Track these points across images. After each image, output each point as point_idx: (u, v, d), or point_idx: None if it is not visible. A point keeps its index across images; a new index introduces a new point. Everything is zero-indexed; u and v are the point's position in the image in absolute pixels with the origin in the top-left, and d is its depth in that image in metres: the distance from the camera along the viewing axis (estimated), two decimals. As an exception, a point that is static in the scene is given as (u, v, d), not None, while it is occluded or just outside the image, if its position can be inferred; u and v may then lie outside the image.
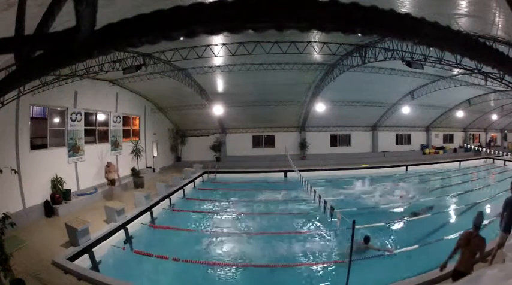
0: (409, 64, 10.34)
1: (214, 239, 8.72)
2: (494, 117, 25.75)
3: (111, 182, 12.24)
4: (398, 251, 7.40)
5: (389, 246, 7.76)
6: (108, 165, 12.39)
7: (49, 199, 10.30)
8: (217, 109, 17.93)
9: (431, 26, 0.56)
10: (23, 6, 0.92)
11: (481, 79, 13.58)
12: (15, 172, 8.28)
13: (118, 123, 16.01)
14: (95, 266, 6.86)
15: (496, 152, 21.58)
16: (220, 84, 16.88)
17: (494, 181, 16.60)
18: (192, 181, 15.76)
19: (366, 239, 7.41)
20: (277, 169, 18.83)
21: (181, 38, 0.55)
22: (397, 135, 25.25)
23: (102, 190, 13.07)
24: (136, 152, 15.97)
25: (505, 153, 21.40)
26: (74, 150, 12.47)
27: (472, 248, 4.10)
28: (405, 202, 12.00)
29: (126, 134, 16.90)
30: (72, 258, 6.54)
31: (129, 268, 6.81)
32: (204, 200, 13.27)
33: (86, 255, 6.91)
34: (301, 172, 14.27)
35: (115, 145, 15.61)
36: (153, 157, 20.00)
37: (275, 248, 7.85)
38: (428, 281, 5.18)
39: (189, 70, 14.67)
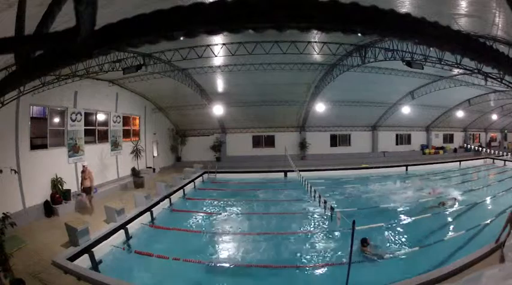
0: (409, 64, 10.33)
1: (214, 239, 8.72)
2: (494, 117, 25.76)
3: (86, 190, 10.37)
4: (397, 253, 7.36)
5: (387, 250, 7.58)
6: (84, 170, 10.49)
7: (49, 199, 10.31)
8: (217, 109, 17.93)
9: (431, 26, 0.56)
10: (23, 6, 0.92)
11: (481, 79, 13.57)
12: (15, 172, 8.29)
13: (118, 123, 16.02)
14: (94, 266, 6.85)
15: (496, 152, 21.59)
16: (220, 84, 16.88)
17: (494, 181, 16.59)
18: (192, 181, 15.75)
19: (363, 242, 7.35)
20: (277, 169, 18.82)
21: (181, 38, 0.55)
22: (397, 135, 25.27)
23: (102, 190, 13.10)
24: (136, 152, 15.98)
25: (505, 153, 21.41)
26: (74, 150, 12.47)
27: None
28: (435, 197, 11.75)
29: (126, 134, 16.91)
30: (72, 258, 6.54)
31: (129, 268, 6.81)
32: (204, 200, 13.26)
33: (86, 255, 6.90)
34: (301, 172, 14.27)
35: (115, 145, 15.62)
36: (153, 157, 20.00)
37: (275, 248, 7.85)
38: (428, 281, 5.19)
39: (189, 70, 14.68)
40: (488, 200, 12.10)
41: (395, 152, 24.04)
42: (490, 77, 10.25)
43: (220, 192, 14.80)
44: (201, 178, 17.30)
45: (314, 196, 9.78)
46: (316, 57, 12.74)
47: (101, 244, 7.51)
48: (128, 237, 8.53)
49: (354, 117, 21.94)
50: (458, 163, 22.13)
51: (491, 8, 6.45)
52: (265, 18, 0.48)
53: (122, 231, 8.50)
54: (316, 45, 11.32)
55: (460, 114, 22.48)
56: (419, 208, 10.96)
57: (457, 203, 11.29)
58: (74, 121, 12.52)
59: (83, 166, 10.66)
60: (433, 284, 5.17)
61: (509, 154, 21.63)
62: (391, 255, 7.20)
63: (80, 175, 12.45)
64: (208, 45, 10.93)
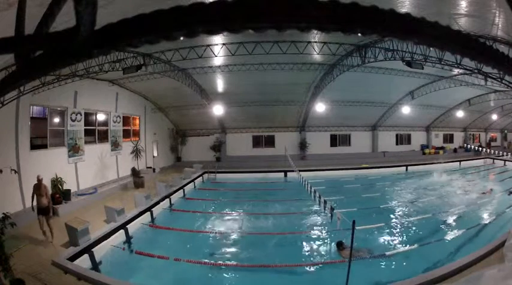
0: (409, 64, 10.34)
1: (214, 239, 8.72)
2: (494, 117, 25.76)
3: (43, 211, 7.58)
4: (390, 252, 7.33)
5: (375, 250, 7.34)
6: (38, 184, 7.72)
7: (49, 199, 10.30)
8: (217, 109, 17.93)
9: (431, 26, 0.56)
10: (23, 6, 0.92)
11: (481, 79, 13.58)
12: (15, 172, 8.30)
13: (118, 123, 16.02)
14: (94, 266, 6.86)
15: (496, 152, 21.59)
16: (220, 84, 16.89)
17: (494, 181, 16.58)
18: (192, 181, 15.76)
19: (339, 245, 7.29)
20: (277, 169, 18.83)
21: (181, 38, 0.55)
22: (397, 135, 25.27)
23: (102, 190, 13.11)
24: (136, 153, 15.98)
25: (505, 153, 21.40)
26: (74, 150, 12.48)
27: None
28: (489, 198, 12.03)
29: (126, 134, 16.91)
30: (72, 258, 6.54)
31: (129, 268, 6.81)
32: (204, 200, 13.26)
33: (86, 255, 6.91)
34: (301, 172, 14.26)
35: (115, 145, 15.62)
36: (153, 157, 20.00)
37: (275, 248, 7.85)
38: (428, 281, 5.18)
39: (189, 70, 14.67)
40: (488, 200, 12.09)
41: (395, 152, 24.03)
42: (490, 77, 10.26)
43: (220, 192, 14.80)
44: (201, 178, 17.31)
45: (314, 196, 9.78)
46: (316, 57, 12.74)
47: (101, 244, 7.51)
48: (128, 237, 8.54)
49: (354, 117, 21.93)
50: (458, 163, 22.14)
51: (491, 8, 6.45)
52: (265, 18, 0.48)
53: (122, 231, 8.50)
54: (316, 45, 11.32)
55: (460, 114, 22.48)
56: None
57: (492, 192, 12.32)
58: (74, 121, 12.52)
59: (38, 179, 7.79)
60: (433, 284, 5.16)
61: (509, 154, 21.61)
62: (372, 255, 7.09)
63: (78, 173, 12.47)
64: (208, 45, 10.93)
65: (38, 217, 7.57)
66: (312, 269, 6.85)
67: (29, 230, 8.25)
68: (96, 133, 14.36)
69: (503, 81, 10.34)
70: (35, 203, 7.67)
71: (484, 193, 12.48)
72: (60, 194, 10.64)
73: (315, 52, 11.87)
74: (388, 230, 8.89)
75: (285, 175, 18.35)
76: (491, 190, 12.82)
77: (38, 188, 7.71)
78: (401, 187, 15.41)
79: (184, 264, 6.77)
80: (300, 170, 13.86)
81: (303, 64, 13.96)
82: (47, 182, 10.35)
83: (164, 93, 17.92)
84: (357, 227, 5.31)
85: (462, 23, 7.39)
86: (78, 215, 8.99)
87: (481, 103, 21.16)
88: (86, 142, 13.27)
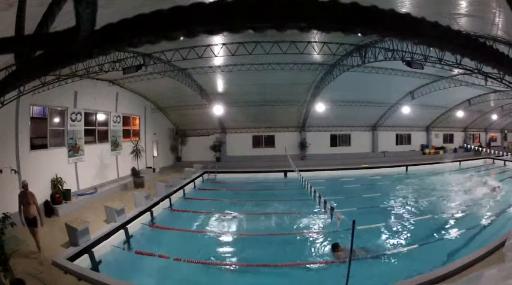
0: (409, 64, 10.34)
1: (213, 239, 8.72)
2: (494, 117, 25.75)
3: (30, 221, 6.85)
4: (390, 252, 7.33)
5: (372, 251, 7.34)
6: (24, 192, 6.99)
7: (49, 199, 10.31)
8: (217, 109, 17.93)
9: (431, 26, 0.56)
10: (23, 6, 0.92)
11: (481, 79, 13.59)
12: (15, 172, 8.30)
13: (118, 123, 16.02)
14: (94, 266, 6.86)
15: (496, 152, 21.59)
16: (220, 84, 16.89)
17: (494, 181, 16.56)
18: (192, 181, 15.76)
19: (334, 247, 7.29)
20: (277, 169, 18.83)
21: (181, 38, 0.55)
22: (397, 135, 25.28)
23: (102, 190, 13.09)
24: (136, 152, 15.98)
25: (505, 153, 21.40)
26: (74, 150, 12.48)
27: None
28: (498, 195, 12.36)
29: (126, 134, 16.91)
30: (72, 258, 6.54)
31: (129, 268, 6.81)
32: (204, 200, 13.26)
33: (86, 255, 6.91)
34: (301, 172, 14.26)
35: (115, 145, 15.63)
36: (153, 157, 20.00)
37: (275, 248, 7.84)
38: (428, 281, 5.18)
39: (189, 70, 14.68)
40: (488, 200, 12.09)
41: (395, 152, 24.04)
42: (490, 77, 10.26)
43: (220, 192, 14.80)
44: (201, 178, 17.31)
45: (314, 196, 9.78)
46: (316, 57, 12.74)
47: (101, 244, 7.52)
48: (128, 237, 8.54)
49: (354, 117, 21.94)
50: (458, 163, 22.14)
51: (491, 8, 6.46)
52: (265, 18, 0.48)
53: (122, 231, 8.50)
54: (316, 45, 11.33)
55: (460, 114, 22.48)
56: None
57: (500, 189, 12.70)
58: (74, 121, 12.53)
59: (23, 186, 7.08)
60: (433, 284, 5.16)
61: (509, 154, 21.61)
62: (371, 254, 7.08)
63: (78, 173, 12.46)
64: (208, 45, 10.93)
65: (29, 228, 6.83)
66: (312, 269, 6.85)
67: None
68: (96, 133, 14.37)
69: (503, 81, 10.35)
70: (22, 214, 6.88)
71: (494, 190, 12.73)
72: (60, 194, 10.65)
73: (315, 52, 11.88)
74: (388, 230, 8.89)
75: (285, 175, 18.36)
76: (499, 187, 13.01)
77: (24, 196, 6.93)
78: (401, 187, 15.42)
79: (184, 264, 6.77)
80: (300, 170, 13.85)
81: (303, 64, 13.96)
82: (46, 183, 10.44)
83: (164, 93, 17.93)
84: (357, 227, 5.30)
85: (462, 23, 7.39)
86: (78, 215, 9.00)
87: (481, 103, 21.16)
88: (86, 142, 13.27)
